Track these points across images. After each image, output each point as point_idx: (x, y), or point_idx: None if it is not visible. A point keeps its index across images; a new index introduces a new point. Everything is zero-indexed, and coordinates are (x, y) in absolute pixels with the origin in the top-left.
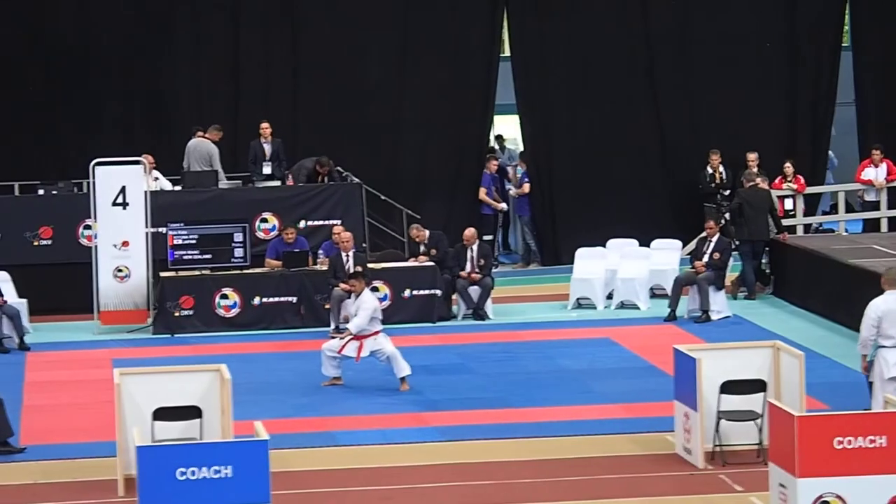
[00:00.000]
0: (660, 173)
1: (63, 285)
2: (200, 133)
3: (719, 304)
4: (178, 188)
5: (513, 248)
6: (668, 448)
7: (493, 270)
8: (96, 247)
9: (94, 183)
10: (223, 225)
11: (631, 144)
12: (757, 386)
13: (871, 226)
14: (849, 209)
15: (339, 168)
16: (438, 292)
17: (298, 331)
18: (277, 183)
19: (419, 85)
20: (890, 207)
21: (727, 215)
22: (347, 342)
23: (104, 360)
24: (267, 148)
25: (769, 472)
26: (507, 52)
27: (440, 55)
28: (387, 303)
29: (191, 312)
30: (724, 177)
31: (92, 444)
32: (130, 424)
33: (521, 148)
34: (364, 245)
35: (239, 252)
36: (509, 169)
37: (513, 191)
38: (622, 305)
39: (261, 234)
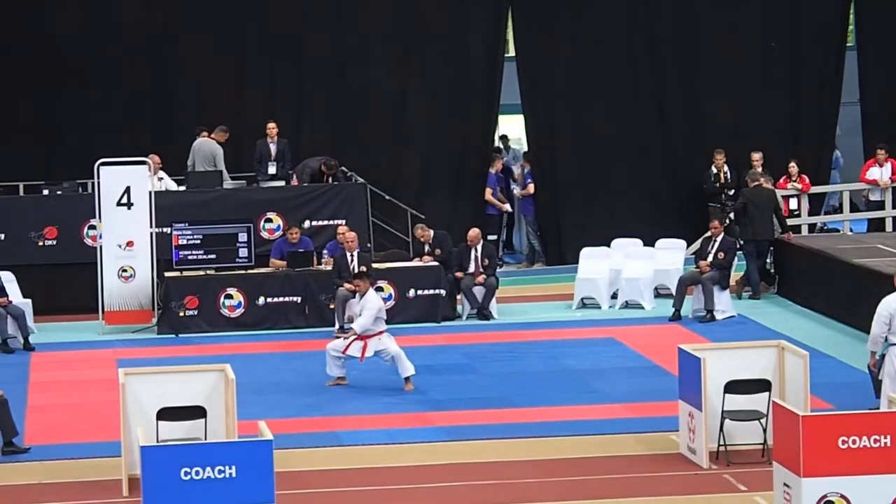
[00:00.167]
0: (664, 173)
1: (68, 285)
2: (205, 133)
3: (724, 303)
4: (182, 188)
5: (517, 247)
6: (673, 448)
7: (498, 270)
8: (101, 247)
9: (98, 183)
10: (228, 225)
11: (635, 144)
12: (761, 385)
13: (876, 225)
14: (853, 209)
15: (343, 168)
16: (443, 292)
17: (303, 331)
18: (282, 183)
19: (424, 85)
20: (895, 207)
21: (731, 215)
22: (352, 342)
23: (109, 360)
24: (272, 148)
25: (773, 471)
26: (512, 52)
27: (445, 55)
28: (391, 303)
29: (195, 312)
30: (728, 176)
31: (96, 444)
32: (135, 424)
33: (525, 148)
34: (368, 245)
35: (243, 252)
36: (515, 169)
37: (517, 191)
38: (627, 305)
39: (265, 235)
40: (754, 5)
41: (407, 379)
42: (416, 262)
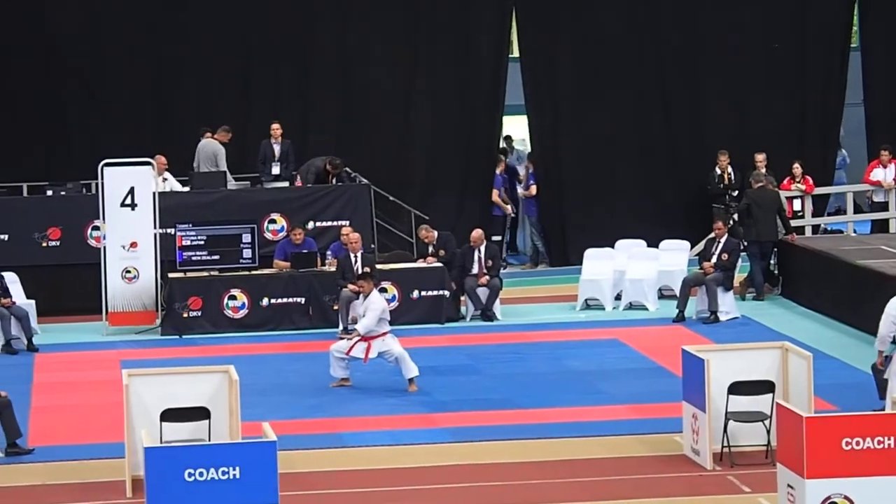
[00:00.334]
0: (668, 174)
1: (71, 286)
2: (209, 134)
3: (728, 304)
4: (186, 189)
5: (521, 248)
6: (677, 449)
7: (501, 271)
8: (105, 248)
9: (102, 184)
10: (231, 226)
11: (639, 145)
12: (765, 387)
13: (880, 227)
14: (857, 210)
15: (347, 169)
16: (447, 293)
17: (307, 332)
18: (286, 184)
19: (428, 85)
20: None
21: (735, 216)
22: (355, 343)
23: (112, 361)
24: (276, 148)
25: (777, 473)
26: (516, 53)
27: (450, 56)
28: (395, 304)
29: (199, 313)
30: (732, 178)
31: (100, 445)
32: (138, 425)
33: (529, 149)
34: (372, 246)
35: (247, 253)
36: (520, 169)
37: (521, 191)
38: (630, 306)
39: (269, 236)
40: (758, 6)
41: (411, 380)
42: (420, 264)
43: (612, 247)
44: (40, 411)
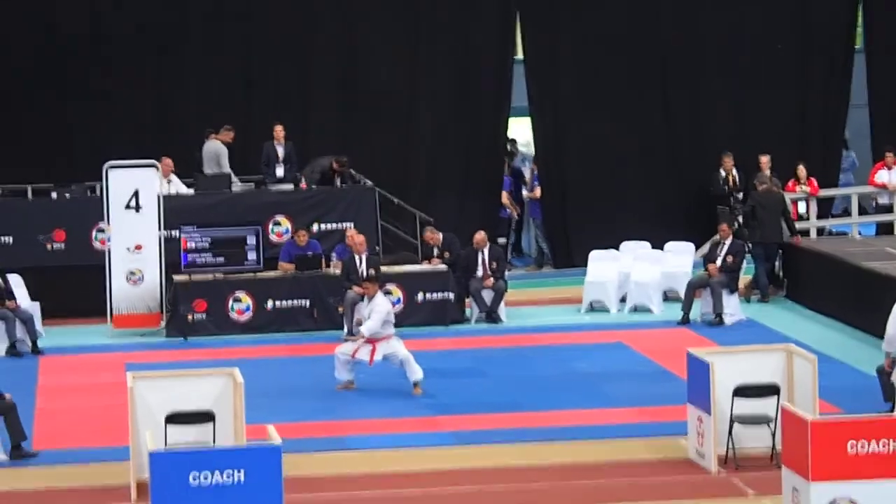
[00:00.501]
0: (671, 175)
1: (76, 289)
2: (213, 135)
3: (732, 307)
4: (191, 191)
5: (525, 251)
6: (682, 452)
7: (507, 273)
8: (109, 250)
9: (107, 186)
10: (236, 228)
11: (643, 147)
12: (770, 390)
13: (885, 229)
14: (862, 212)
15: (351, 170)
16: (451, 296)
17: (311, 334)
18: (290, 186)
19: (432, 87)
20: None
21: (740, 218)
22: (360, 346)
23: (117, 363)
24: (280, 150)
25: (782, 476)
26: (520, 55)
27: (453, 58)
28: (400, 306)
29: (204, 316)
30: (737, 180)
31: (104, 448)
32: (143, 429)
33: (533, 150)
34: (377, 248)
35: (252, 255)
36: (525, 172)
37: (526, 193)
38: (635, 309)
39: (274, 238)
40: (759, 6)
41: (415, 383)
42: (424, 266)
43: (617, 248)
44: (45, 414)
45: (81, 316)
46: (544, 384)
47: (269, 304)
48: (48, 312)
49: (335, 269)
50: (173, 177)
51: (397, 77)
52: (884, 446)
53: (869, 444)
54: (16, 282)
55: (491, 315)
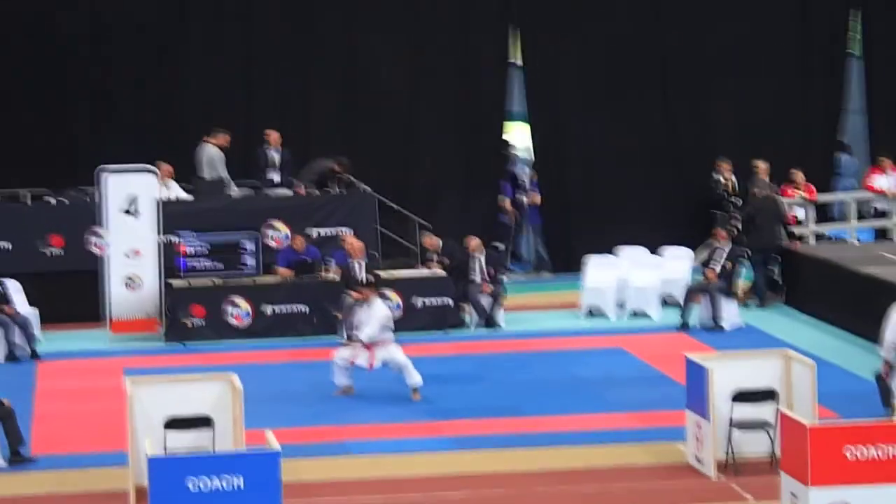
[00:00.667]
0: (670, 180)
1: (74, 294)
2: (206, 139)
3: (731, 312)
4: (189, 196)
5: (524, 256)
6: (680, 457)
7: (505, 279)
8: (107, 255)
9: (105, 191)
10: (234, 233)
11: (641, 152)
12: (768, 395)
13: (883, 234)
14: (859, 217)
15: (350, 177)
16: (450, 301)
17: (310, 340)
18: (288, 191)
19: (431, 93)
20: None
21: (738, 224)
22: (359, 351)
23: (115, 369)
24: (274, 156)
25: (781, 481)
26: (519, 61)
27: (452, 64)
28: (398, 312)
29: (202, 321)
30: (735, 186)
31: (103, 453)
32: (142, 434)
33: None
34: (376, 254)
35: (250, 261)
36: (525, 177)
37: (524, 199)
38: (634, 314)
39: (272, 243)
40: (760, 14)
41: (414, 389)
42: (423, 271)
43: (615, 254)
44: (43, 419)
45: (79, 321)
46: (543, 389)
47: (268, 309)
48: (46, 318)
49: (333, 274)
50: (171, 182)
51: (398, 83)
52: (882, 452)
53: (867, 450)
54: (14, 287)
55: (489, 320)
